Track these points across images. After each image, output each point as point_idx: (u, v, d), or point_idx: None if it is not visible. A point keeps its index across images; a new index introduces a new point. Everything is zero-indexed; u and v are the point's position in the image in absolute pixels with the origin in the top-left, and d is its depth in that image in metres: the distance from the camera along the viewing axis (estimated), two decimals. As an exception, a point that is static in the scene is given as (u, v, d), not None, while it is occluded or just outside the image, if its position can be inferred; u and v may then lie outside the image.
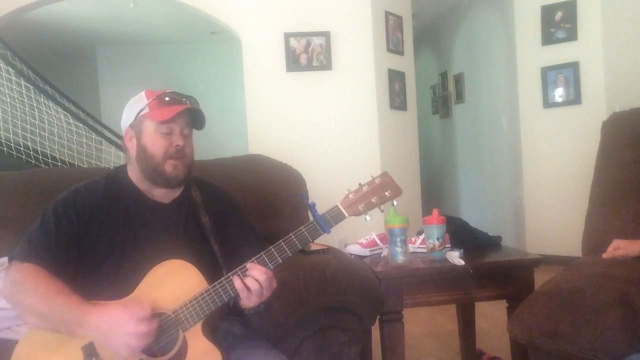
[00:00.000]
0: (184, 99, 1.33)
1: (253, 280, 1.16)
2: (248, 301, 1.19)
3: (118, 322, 1.09)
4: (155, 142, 1.29)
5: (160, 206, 1.35)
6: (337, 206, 1.21)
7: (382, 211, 1.25)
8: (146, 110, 1.30)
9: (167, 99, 1.31)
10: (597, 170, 2.04)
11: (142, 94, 1.34)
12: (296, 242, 1.20)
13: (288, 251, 1.20)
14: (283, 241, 1.21)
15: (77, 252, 1.25)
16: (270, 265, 1.20)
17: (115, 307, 1.12)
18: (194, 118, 1.34)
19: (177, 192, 1.38)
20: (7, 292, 1.21)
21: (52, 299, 1.14)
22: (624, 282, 1.44)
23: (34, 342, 1.18)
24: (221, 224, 1.39)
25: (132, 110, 1.34)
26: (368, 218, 1.22)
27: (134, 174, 1.35)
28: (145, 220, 1.32)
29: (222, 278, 1.19)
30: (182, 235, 1.33)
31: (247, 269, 1.18)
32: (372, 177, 1.24)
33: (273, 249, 1.20)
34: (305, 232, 1.20)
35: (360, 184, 1.23)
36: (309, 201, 1.23)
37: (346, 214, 1.21)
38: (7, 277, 1.21)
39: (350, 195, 1.22)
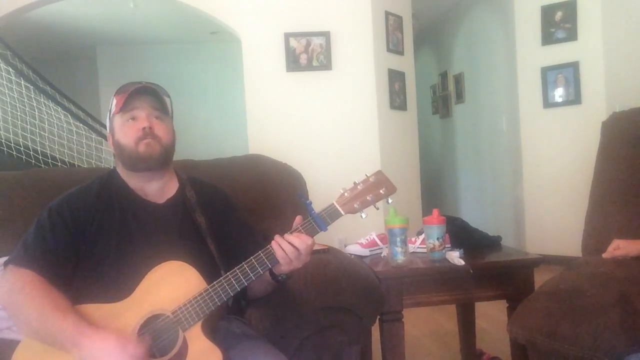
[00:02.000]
0: (141, 83, 1.34)
1: (293, 247, 1.19)
2: (288, 267, 1.22)
3: (109, 356, 1.07)
4: (124, 132, 1.32)
5: (154, 206, 1.35)
6: (333, 204, 1.22)
7: (378, 209, 1.26)
8: (114, 109, 1.34)
9: (124, 88, 1.33)
10: (597, 170, 2.04)
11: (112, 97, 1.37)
12: None
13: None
14: None
15: (73, 256, 1.25)
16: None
17: (111, 338, 1.09)
18: (161, 103, 1.35)
19: (171, 192, 1.38)
20: (3, 300, 1.21)
21: (47, 316, 1.12)
22: (624, 282, 1.44)
23: (32, 347, 1.17)
24: (217, 223, 1.39)
25: (108, 115, 1.38)
26: (364, 215, 1.23)
27: (123, 173, 1.37)
28: (141, 221, 1.32)
29: (222, 277, 1.19)
30: (178, 236, 1.33)
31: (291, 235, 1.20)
32: (366, 175, 1.25)
33: (271, 247, 1.21)
34: (302, 231, 1.21)
35: (355, 183, 1.24)
36: (307, 200, 1.24)
37: (342, 212, 1.22)
38: (4, 283, 1.20)
39: (346, 194, 1.23)
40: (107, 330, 1.11)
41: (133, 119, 1.31)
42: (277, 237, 1.21)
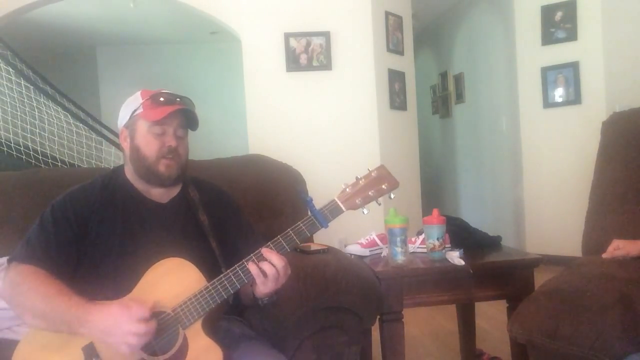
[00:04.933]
0: (178, 100, 1.32)
1: (270, 265, 1.17)
2: (264, 287, 1.19)
3: (117, 321, 1.09)
4: (148, 142, 1.29)
5: (157, 206, 1.35)
6: (334, 200, 1.21)
7: (380, 204, 1.24)
8: (140, 110, 1.30)
9: (161, 99, 1.30)
10: (597, 170, 2.04)
11: (138, 93, 1.34)
12: (294, 237, 1.20)
13: (286, 246, 1.20)
14: (281, 236, 1.20)
15: (75, 253, 1.26)
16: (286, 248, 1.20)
17: (115, 306, 1.12)
18: (188, 119, 1.34)
19: (174, 192, 1.38)
20: (7, 294, 1.21)
21: (52, 299, 1.14)
22: (624, 282, 1.44)
23: (34, 343, 1.18)
24: (219, 222, 1.39)
25: (127, 109, 1.34)
26: (365, 212, 1.21)
27: (131, 174, 1.36)
28: (143, 219, 1.32)
29: (222, 275, 1.19)
30: (180, 234, 1.33)
31: (262, 254, 1.18)
32: (368, 170, 1.24)
33: (271, 245, 1.20)
34: (303, 227, 1.20)
35: (357, 178, 1.22)
36: (308, 197, 1.24)
37: (344, 208, 1.20)
38: (7, 279, 1.21)
39: (347, 189, 1.21)
40: (109, 303, 1.13)
41: (162, 133, 1.29)
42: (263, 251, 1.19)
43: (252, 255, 1.19)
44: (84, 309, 1.12)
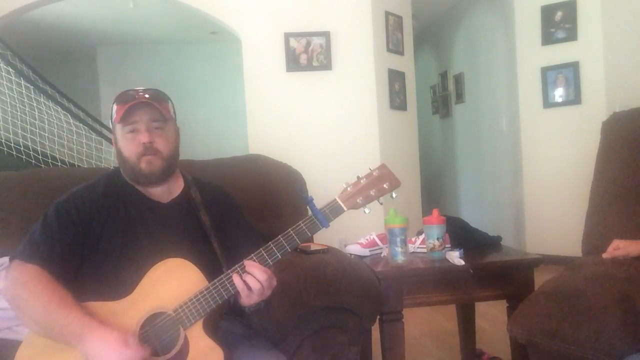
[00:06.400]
0: (140, 93, 1.29)
1: (254, 280, 1.16)
2: (249, 300, 1.19)
3: (110, 354, 1.08)
4: (124, 144, 1.29)
5: (159, 206, 1.35)
6: (335, 200, 1.20)
7: (382, 204, 1.23)
8: (114, 116, 1.30)
9: (125, 97, 1.29)
10: (597, 170, 2.04)
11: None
12: (295, 237, 1.20)
13: (287, 246, 1.20)
14: (282, 236, 1.20)
15: (79, 253, 1.25)
16: (269, 261, 1.19)
17: (115, 336, 1.10)
18: (160, 113, 1.30)
19: (176, 192, 1.38)
20: (9, 295, 1.20)
21: (53, 310, 1.13)
22: (624, 282, 1.44)
23: (36, 345, 1.18)
24: (221, 223, 1.39)
25: (111, 120, 1.35)
26: (367, 211, 1.21)
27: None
28: (145, 219, 1.32)
29: (222, 275, 1.19)
30: (182, 235, 1.33)
31: (245, 267, 1.17)
32: (370, 169, 1.23)
33: (272, 245, 1.20)
34: (304, 227, 1.20)
35: (358, 177, 1.22)
36: (308, 196, 1.23)
37: (345, 208, 1.20)
38: (9, 277, 1.20)
39: (349, 189, 1.21)
40: (112, 327, 1.12)
41: (133, 132, 1.28)
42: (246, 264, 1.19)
43: (236, 267, 1.18)
44: (83, 326, 1.11)
